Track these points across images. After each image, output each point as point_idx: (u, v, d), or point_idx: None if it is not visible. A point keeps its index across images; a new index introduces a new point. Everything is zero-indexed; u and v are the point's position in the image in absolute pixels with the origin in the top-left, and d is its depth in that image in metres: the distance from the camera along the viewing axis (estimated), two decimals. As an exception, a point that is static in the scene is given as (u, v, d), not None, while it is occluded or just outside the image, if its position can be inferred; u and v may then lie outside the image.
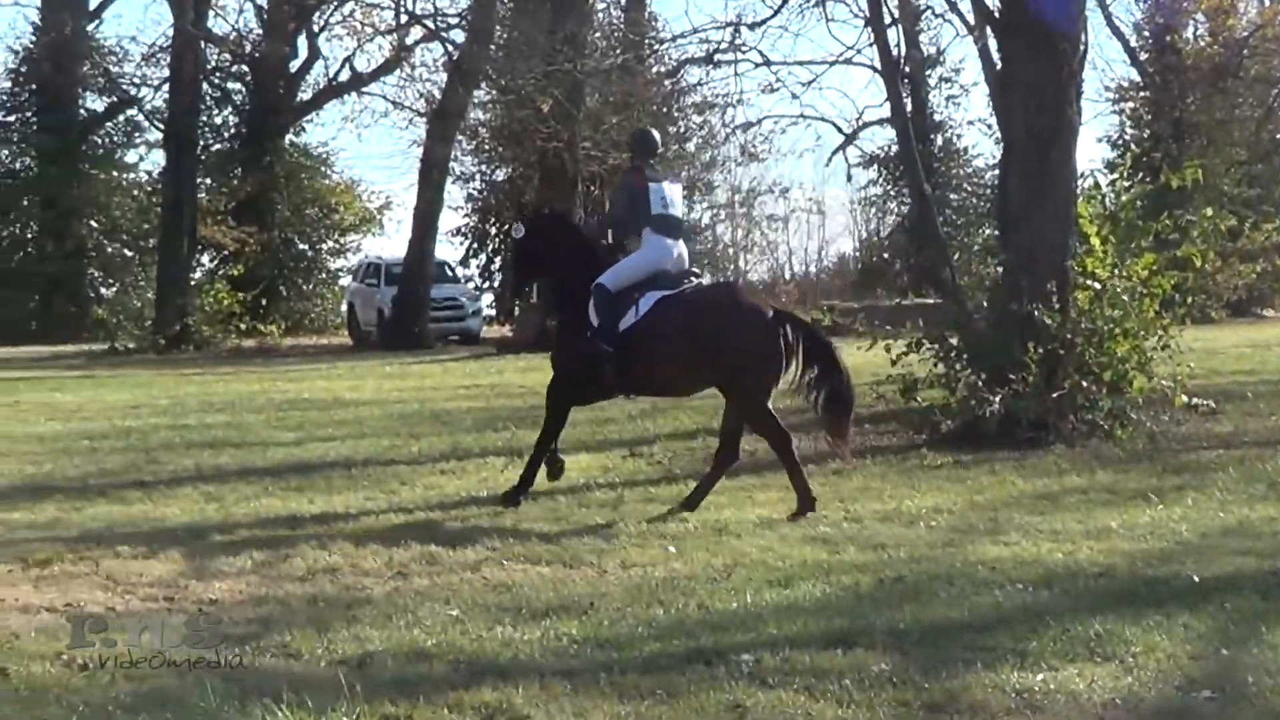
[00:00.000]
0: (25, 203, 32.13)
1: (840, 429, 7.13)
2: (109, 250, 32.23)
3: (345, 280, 31.42)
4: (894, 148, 26.63)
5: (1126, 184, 10.42)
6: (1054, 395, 9.12)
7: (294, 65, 32.18)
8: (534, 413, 11.85)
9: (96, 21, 31.92)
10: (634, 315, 7.29)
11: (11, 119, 32.82)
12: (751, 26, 14.50)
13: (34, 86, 32.22)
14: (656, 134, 7.93)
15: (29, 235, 32.27)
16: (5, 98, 32.73)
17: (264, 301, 29.00)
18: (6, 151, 32.83)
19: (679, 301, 7.27)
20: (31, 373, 18.33)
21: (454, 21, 25.09)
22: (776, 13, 14.23)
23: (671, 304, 7.26)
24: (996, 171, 14.08)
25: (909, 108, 20.40)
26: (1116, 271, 9.66)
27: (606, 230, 7.67)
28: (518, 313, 25.24)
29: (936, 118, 30.88)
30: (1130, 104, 28.41)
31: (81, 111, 32.68)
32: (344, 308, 29.91)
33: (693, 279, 7.54)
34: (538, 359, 19.84)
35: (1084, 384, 9.22)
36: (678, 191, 7.69)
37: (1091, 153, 39.82)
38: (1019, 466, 8.31)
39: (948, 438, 9.26)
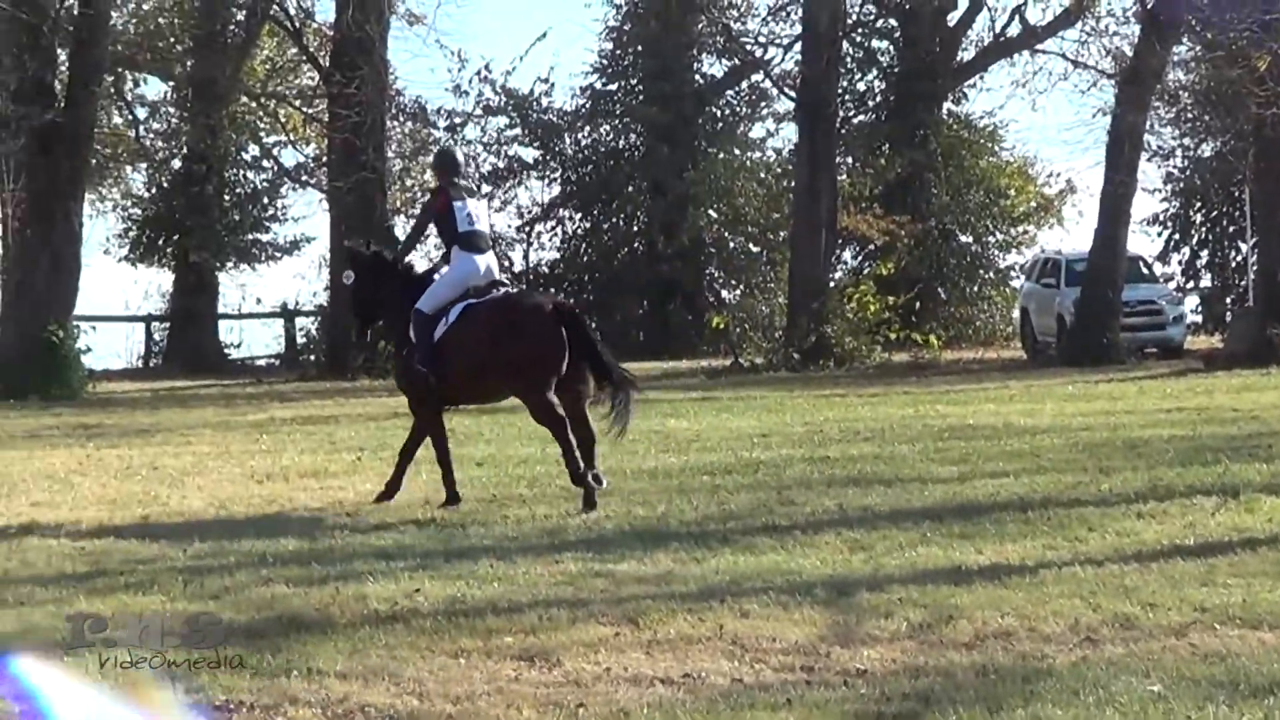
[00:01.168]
0: (630, 189, 32.05)
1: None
2: (731, 246, 31.95)
3: (1017, 281, 31.37)
4: None
5: None
6: None
7: (952, 18, 32.05)
8: (1250, 442, 11.49)
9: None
10: (444, 326, 9.87)
11: (613, 87, 32.14)
12: None
13: (639, 48, 31.77)
14: (460, 153, 11.15)
15: (635, 229, 32.44)
16: (605, 62, 31.96)
17: (918, 306, 28.92)
18: (608, 128, 32.23)
19: (476, 309, 9.82)
20: (641, 394, 19.79)
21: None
22: None
23: (469, 312, 9.82)
24: None
25: None
26: None
27: (403, 256, 10.48)
28: (1228, 319, 24.55)
29: None
30: None
31: (697, 79, 32.28)
32: (1015, 314, 29.99)
33: (499, 289, 10.10)
34: (1255, 376, 18.67)
35: None
36: (482, 208, 10.44)
37: None
38: None
39: None
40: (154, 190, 32.96)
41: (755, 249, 31.86)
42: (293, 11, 29.25)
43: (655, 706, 5.12)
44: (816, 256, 25.53)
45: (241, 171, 33.42)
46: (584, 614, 6.46)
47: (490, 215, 11.40)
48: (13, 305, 22.76)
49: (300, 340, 31.90)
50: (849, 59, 31.76)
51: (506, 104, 32.97)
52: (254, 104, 31.95)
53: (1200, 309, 31.83)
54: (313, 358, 29.73)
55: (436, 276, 10.25)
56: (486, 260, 10.23)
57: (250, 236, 33.05)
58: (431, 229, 10.57)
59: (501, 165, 33.47)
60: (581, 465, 9.59)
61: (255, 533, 8.84)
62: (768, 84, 31.70)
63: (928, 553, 7.73)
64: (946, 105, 33.17)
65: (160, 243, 32.21)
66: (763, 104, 33.04)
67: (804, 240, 25.73)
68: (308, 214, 34.40)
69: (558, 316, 9.72)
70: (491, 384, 10.04)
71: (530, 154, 33.44)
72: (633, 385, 9.98)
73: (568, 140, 33.32)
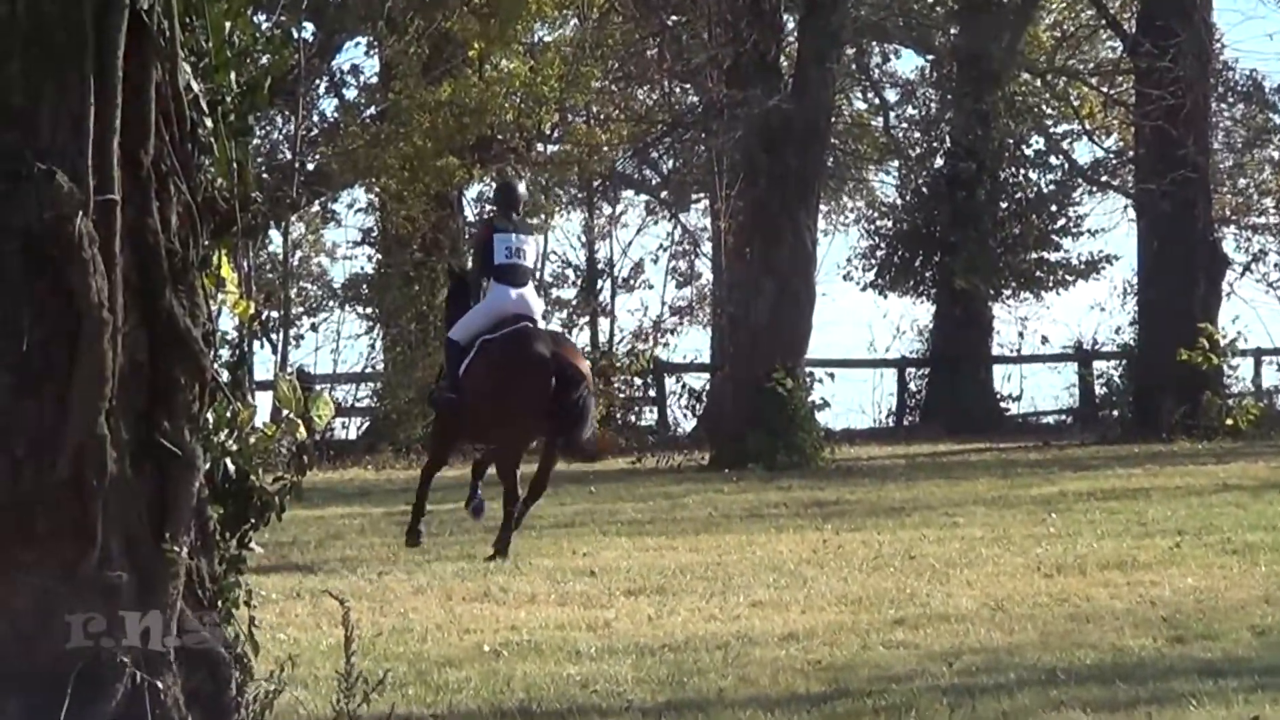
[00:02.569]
0: None
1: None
2: None
3: None
4: None
5: None
6: None
7: None
8: None
9: None
10: (467, 360, 13.19)
11: None
12: None
13: None
14: (521, 187, 15.77)
15: None
16: None
17: None
18: None
19: (490, 344, 13.15)
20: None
21: None
22: None
23: (485, 346, 13.18)
24: None
25: None
26: None
27: (474, 284, 13.78)
28: None
29: None
30: None
31: None
32: None
33: (522, 322, 13.26)
34: None
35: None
36: (530, 243, 13.81)
37: None
38: None
39: None
40: (908, 196, 33.95)
41: None
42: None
43: None
44: None
45: (1022, 171, 33.77)
46: None
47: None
48: (728, 346, 23.91)
49: (1099, 390, 31.68)
50: None
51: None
52: (1038, 83, 32.23)
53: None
54: (1115, 413, 29.39)
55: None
56: (521, 293, 13.52)
57: (1033, 255, 33.31)
58: None
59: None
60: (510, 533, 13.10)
61: (1038, 641, 8.91)
62: None
63: None
64: None
65: (916, 265, 33.11)
66: None
67: None
68: (1107, 226, 34.09)
69: (552, 369, 12.91)
70: (485, 424, 13.26)
71: None
72: (585, 457, 14.20)
73: None
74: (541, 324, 14.00)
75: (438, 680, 8.15)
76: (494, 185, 16.15)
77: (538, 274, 15.50)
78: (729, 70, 24.00)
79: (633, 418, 30.12)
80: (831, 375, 28.27)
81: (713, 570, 12.04)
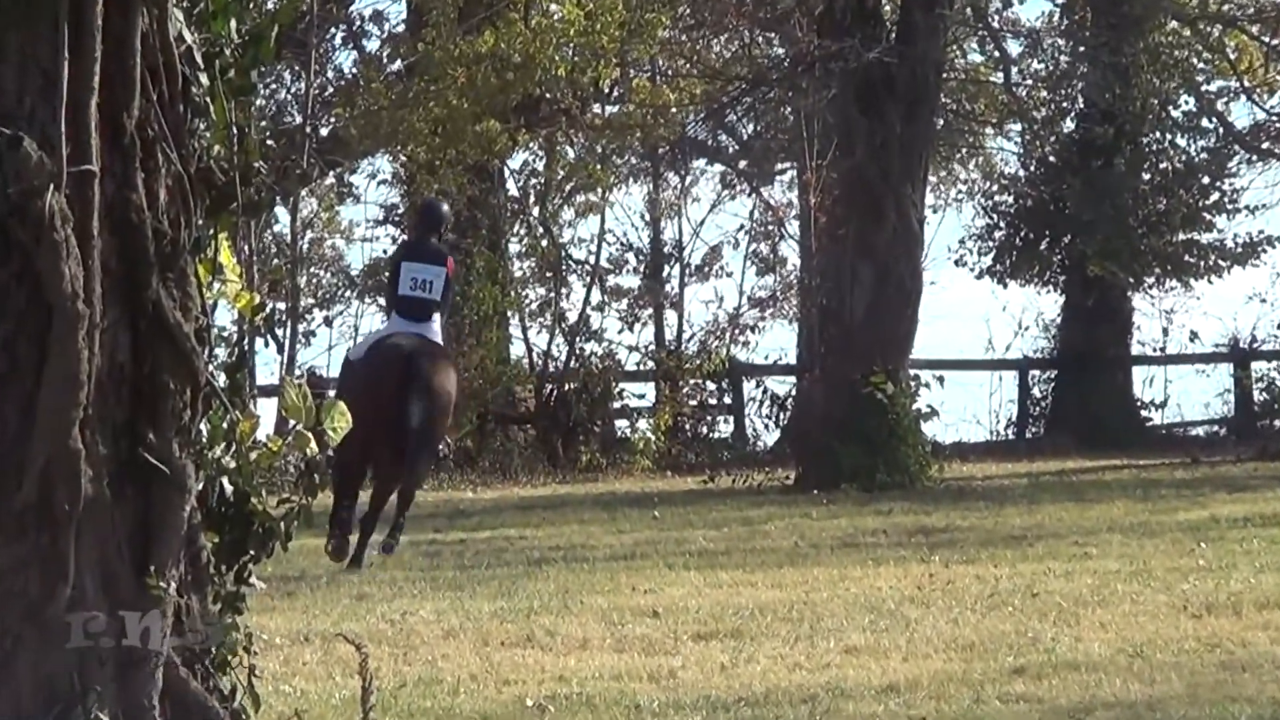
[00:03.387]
0: None
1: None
2: None
3: None
4: None
5: None
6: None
7: None
8: None
9: None
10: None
11: None
12: None
13: None
14: (444, 207, 17.81)
15: None
16: None
17: None
18: None
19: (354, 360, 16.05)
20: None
21: None
22: None
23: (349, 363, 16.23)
24: None
25: None
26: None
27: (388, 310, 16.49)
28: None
29: None
30: None
31: None
32: None
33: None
34: None
35: None
36: (440, 275, 15.53)
37: None
38: None
39: None
40: (1032, 167, 33.86)
41: None
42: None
43: None
44: None
45: (1168, 137, 33.62)
46: None
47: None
48: (817, 345, 23.89)
49: (1258, 396, 31.52)
50: None
51: None
52: (1187, 31, 32.08)
53: None
54: (1277, 423, 29.20)
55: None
56: (420, 328, 15.44)
57: (1181, 237, 33.14)
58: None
59: None
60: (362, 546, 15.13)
61: (1184, 694, 8.93)
62: None
63: None
64: None
65: (1042, 248, 33.01)
66: None
67: None
68: (1269, 201, 33.82)
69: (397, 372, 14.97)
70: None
71: None
72: (411, 482, 15.82)
73: None
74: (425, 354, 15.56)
75: (472, 740, 8.18)
76: (418, 204, 18.01)
77: (447, 306, 16.51)
78: (821, 17, 23.97)
79: (705, 429, 30.21)
80: (941, 379, 28.25)
81: (798, 610, 12.02)
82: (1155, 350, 33.94)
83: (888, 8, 24.39)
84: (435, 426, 15.64)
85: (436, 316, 15.69)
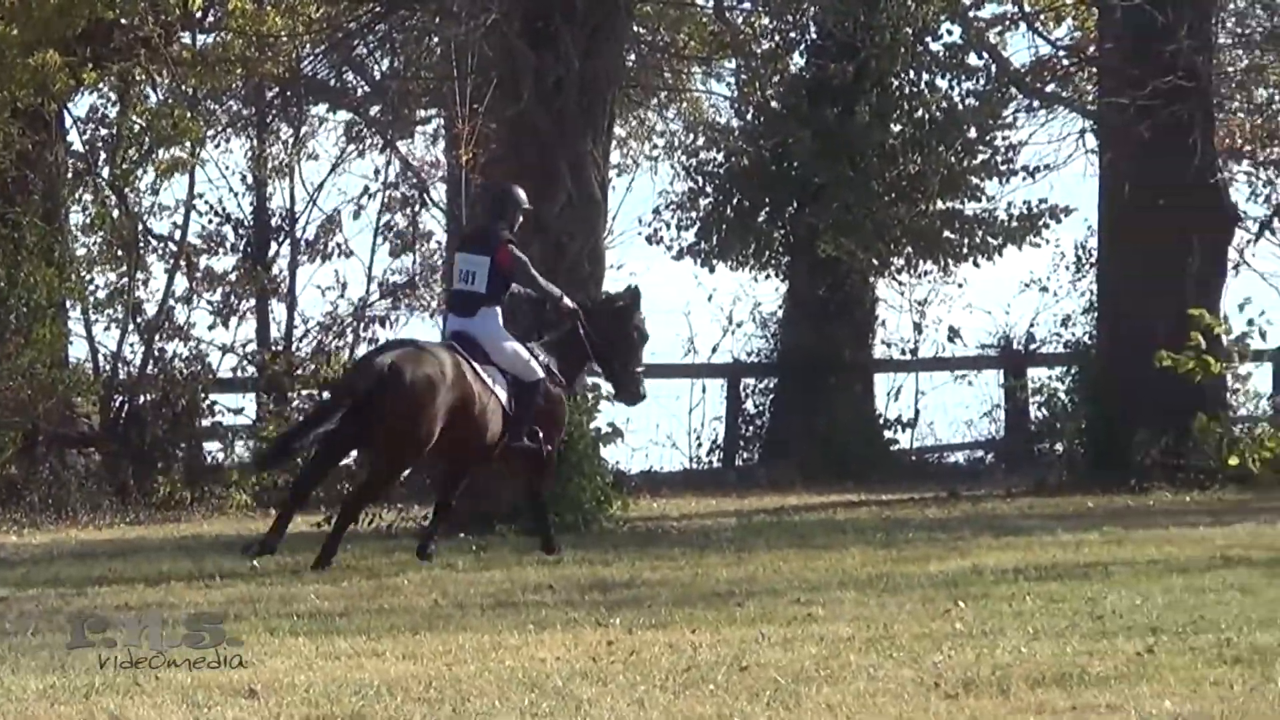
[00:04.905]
0: None
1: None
2: None
3: None
4: None
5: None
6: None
7: None
8: None
9: None
10: None
11: None
12: None
13: None
14: (518, 192, 20.40)
15: None
16: None
17: None
18: None
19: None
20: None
21: None
22: None
23: None
24: None
25: None
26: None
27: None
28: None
29: None
30: None
31: None
32: None
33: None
34: None
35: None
36: (484, 265, 19.68)
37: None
38: None
39: None
40: (749, 115, 34.15)
41: None
42: None
43: None
44: None
45: (924, 76, 34.05)
46: None
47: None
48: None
49: (1036, 413, 32.09)
50: None
51: None
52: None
53: None
54: (1058, 447, 29.84)
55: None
56: (463, 324, 19.78)
57: (940, 206, 33.58)
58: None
59: None
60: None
61: None
62: None
63: None
64: None
65: (760, 220, 33.33)
66: None
67: None
68: (1054, 161, 34.25)
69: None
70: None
71: None
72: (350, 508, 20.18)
73: None
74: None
75: None
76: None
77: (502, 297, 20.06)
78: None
79: (322, 452, 30.06)
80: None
81: (438, 687, 12.07)
82: (904, 353, 34.42)
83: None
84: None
85: (484, 310, 19.66)
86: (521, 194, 20.39)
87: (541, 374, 19.89)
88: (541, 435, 20.02)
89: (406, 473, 22.20)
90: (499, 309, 19.83)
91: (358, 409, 18.91)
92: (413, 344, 19.97)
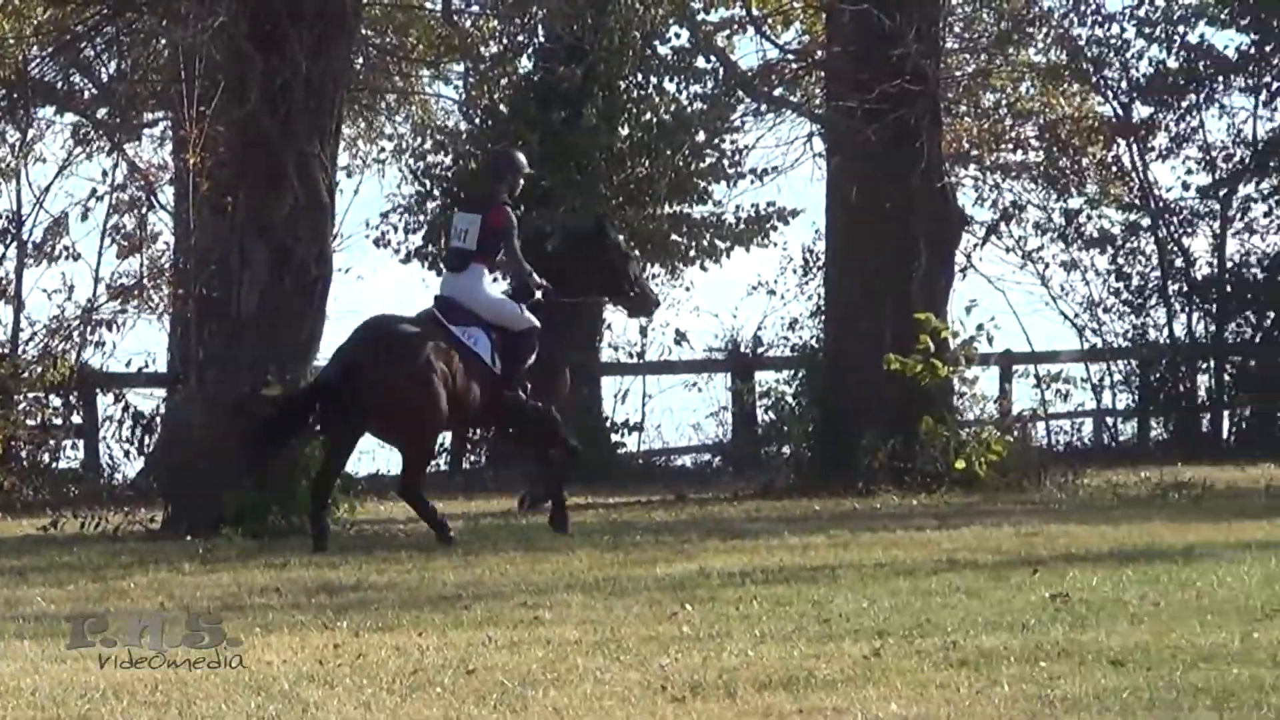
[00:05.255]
0: None
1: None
2: None
3: None
4: None
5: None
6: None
7: None
8: None
9: None
10: None
11: None
12: None
13: None
14: (519, 157, 21.91)
15: None
16: None
17: None
18: None
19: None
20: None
21: None
22: None
23: None
24: None
25: None
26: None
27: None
28: None
29: None
30: None
31: None
32: None
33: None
34: None
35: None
36: (475, 222, 20.85)
37: None
38: None
39: None
40: (477, 119, 34.15)
41: None
42: None
43: None
44: None
45: (653, 80, 34.14)
46: None
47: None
48: (194, 348, 23.87)
49: (763, 416, 32.18)
50: None
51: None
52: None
53: None
54: (785, 450, 30.07)
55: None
56: (454, 279, 21.17)
57: (668, 210, 33.68)
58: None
59: None
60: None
61: None
62: None
63: None
64: None
65: (490, 223, 33.24)
66: None
67: None
68: (782, 164, 34.48)
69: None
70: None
71: None
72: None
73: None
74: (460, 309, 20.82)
75: None
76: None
77: (492, 254, 21.13)
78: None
79: (47, 456, 29.77)
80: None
81: (164, 691, 11.97)
82: (631, 356, 34.47)
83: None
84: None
85: (474, 266, 20.91)
86: (522, 158, 21.89)
87: (534, 322, 21.01)
88: (530, 389, 21.09)
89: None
90: (487, 268, 21.19)
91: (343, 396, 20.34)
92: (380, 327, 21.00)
